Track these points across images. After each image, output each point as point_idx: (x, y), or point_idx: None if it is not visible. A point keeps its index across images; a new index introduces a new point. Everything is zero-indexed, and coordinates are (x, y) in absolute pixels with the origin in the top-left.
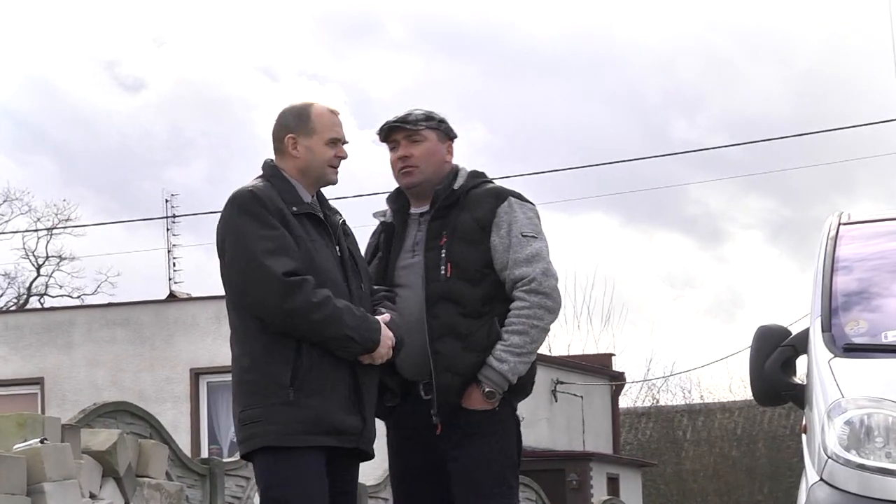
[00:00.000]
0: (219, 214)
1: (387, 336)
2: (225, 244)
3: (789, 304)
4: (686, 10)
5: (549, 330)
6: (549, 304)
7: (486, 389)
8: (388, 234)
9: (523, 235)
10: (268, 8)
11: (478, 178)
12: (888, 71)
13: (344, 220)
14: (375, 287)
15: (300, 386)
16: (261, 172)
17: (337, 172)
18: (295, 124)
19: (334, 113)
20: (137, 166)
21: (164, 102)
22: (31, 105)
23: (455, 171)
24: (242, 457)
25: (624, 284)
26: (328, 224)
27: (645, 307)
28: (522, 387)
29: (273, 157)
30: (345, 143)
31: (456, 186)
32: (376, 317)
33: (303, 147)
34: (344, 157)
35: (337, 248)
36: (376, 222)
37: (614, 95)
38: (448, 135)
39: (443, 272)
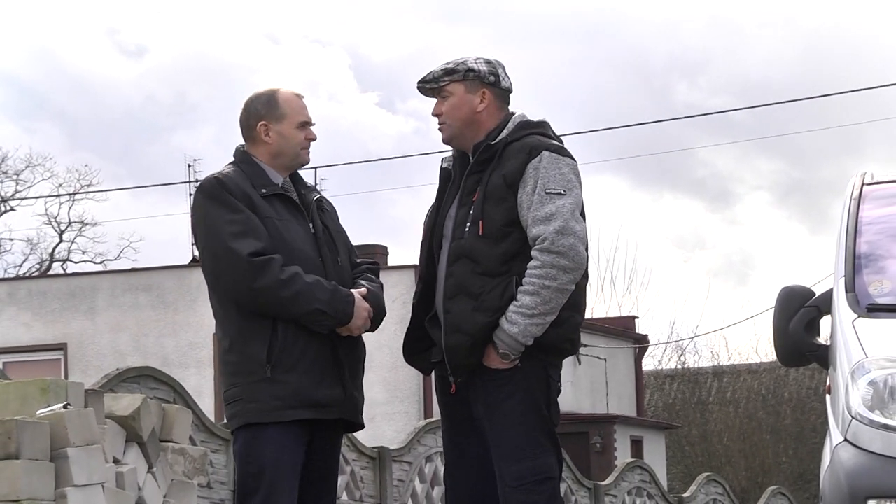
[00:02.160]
0: None
1: (362, 307)
2: (197, 231)
3: (800, 265)
4: None
5: (566, 290)
6: (564, 264)
7: (501, 351)
8: (445, 182)
9: (547, 192)
10: None
11: (524, 129)
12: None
13: (320, 197)
14: (359, 260)
15: (277, 363)
16: (233, 157)
17: (309, 153)
18: (265, 111)
19: (299, 97)
20: (143, 132)
21: (166, 68)
22: (34, 73)
23: (506, 119)
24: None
25: (636, 247)
26: (301, 203)
27: (657, 269)
28: (554, 345)
29: (244, 143)
30: (312, 124)
31: (496, 140)
32: (352, 290)
33: (275, 133)
34: (313, 139)
35: (311, 224)
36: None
37: (617, 59)
38: (483, 81)
39: (467, 230)
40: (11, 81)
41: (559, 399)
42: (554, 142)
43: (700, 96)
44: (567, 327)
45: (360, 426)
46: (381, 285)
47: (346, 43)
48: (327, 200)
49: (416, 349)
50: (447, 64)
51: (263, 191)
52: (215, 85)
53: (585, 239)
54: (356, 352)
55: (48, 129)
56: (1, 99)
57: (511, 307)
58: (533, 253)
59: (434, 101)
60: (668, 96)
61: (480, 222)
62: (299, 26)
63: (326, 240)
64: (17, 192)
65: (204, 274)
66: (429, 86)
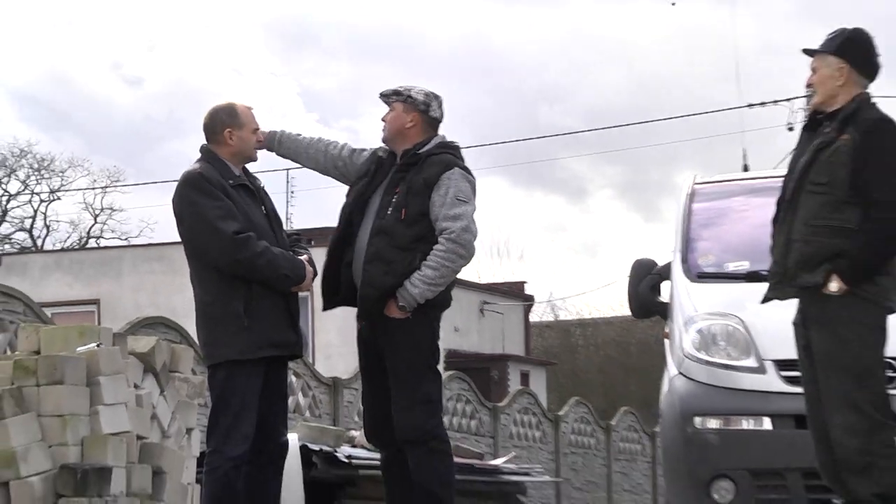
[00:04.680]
0: None
1: (309, 272)
2: (183, 214)
3: (637, 244)
4: (553, 20)
5: (458, 271)
6: (462, 252)
7: (400, 304)
8: (377, 167)
9: (456, 198)
10: (227, 19)
11: (443, 148)
12: (710, 70)
13: (263, 186)
14: (288, 233)
15: (251, 314)
16: (200, 156)
17: (257, 151)
18: (229, 120)
19: (250, 109)
20: (143, 141)
21: (159, 94)
22: (55, 94)
23: (430, 138)
24: (209, 367)
25: (523, 231)
26: (255, 190)
27: (535, 247)
28: (439, 304)
29: (207, 143)
30: (258, 129)
31: (421, 150)
32: (300, 257)
33: (236, 137)
34: (261, 140)
35: (263, 207)
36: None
37: (499, 90)
38: (415, 107)
39: (389, 213)
40: (33, 100)
41: (466, 342)
42: (463, 163)
43: (560, 117)
44: (448, 291)
45: (301, 356)
46: (310, 252)
47: (295, 75)
48: (266, 190)
49: (336, 287)
50: (399, 87)
51: (231, 182)
52: (196, 106)
53: (477, 237)
54: (297, 304)
55: (70, 139)
56: (30, 114)
57: (416, 274)
58: (441, 239)
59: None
60: (537, 118)
61: (403, 210)
62: (258, 61)
63: (274, 219)
64: (62, 185)
65: (190, 247)
66: (383, 98)
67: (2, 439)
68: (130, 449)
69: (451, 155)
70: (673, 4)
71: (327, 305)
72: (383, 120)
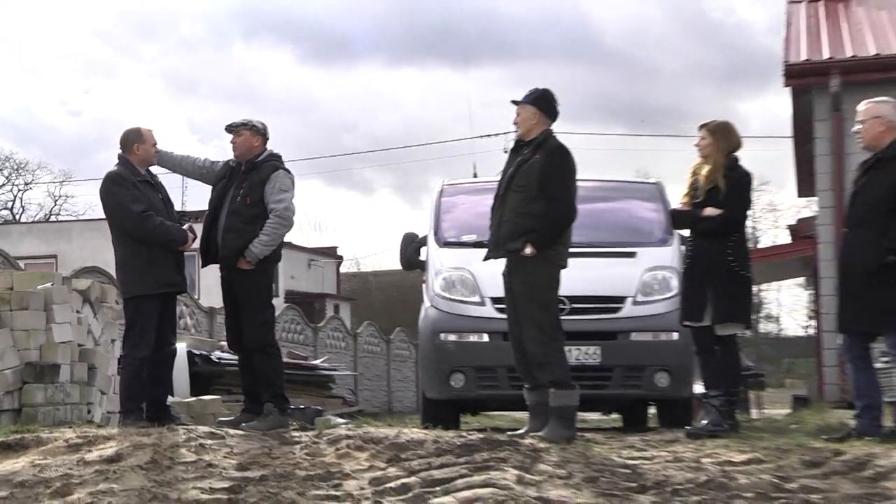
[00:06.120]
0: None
1: (189, 237)
2: (106, 200)
3: (406, 223)
4: (350, 78)
5: (283, 236)
6: (285, 223)
7: (248, 259)
8: (231, 172)
9: (281, 189)
10: (137, 73)
11: (272, 158)
12: (453, 114)
13: (160, 182)
14: (178, 212)
15: (152, 264)
16: (118, 161)
17: (155, 158)
18: (137, 138)
19: (150, 130)
20: (82, 154)
21: (92, 122)
22: (23, 120)
23: (263, 152)
24: (124, 300)
25: (333, 213)
26: (154, 184)
27: (343, 224)
28: (273, 259)
29: (122, 153)
30: (156, 143)
31: (258, 160)
32: (184, 227)
33: (142, 149)
34: (158, 152)
35: (160, 195)
36: None
37: (314, 121)
38: (259, 133)
39: (238, 200)
40: (10, 125)
41: (299, 286)
42: (284, 166)
43: (355, 141)
44: (279, 250)
45: (186, 292)
46: (192, 224)
47: (187, 109)
48: (162, 184)
49: (208, 250)
50: (244, 119)
51: (138, 179)
52: (116, 130)
53: (295, 213)
54: (183, 258)
55: (34, 150)
56: (7, 133)
57: (256, 240)
58: (271, 216)
59: (231, 135)
60: (340, 140)
61: (248, 198)
62: (158, 101)
63: (167, 202)
64: (33, 180)
65: (111, 222)
66: (232, 128)
67: None
68: (73, 352)
69: (277, 161)
70: (642, 121)
71: (204, 263)
72: (233, 143)
